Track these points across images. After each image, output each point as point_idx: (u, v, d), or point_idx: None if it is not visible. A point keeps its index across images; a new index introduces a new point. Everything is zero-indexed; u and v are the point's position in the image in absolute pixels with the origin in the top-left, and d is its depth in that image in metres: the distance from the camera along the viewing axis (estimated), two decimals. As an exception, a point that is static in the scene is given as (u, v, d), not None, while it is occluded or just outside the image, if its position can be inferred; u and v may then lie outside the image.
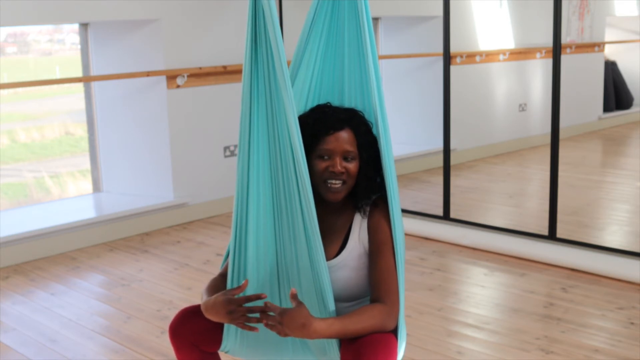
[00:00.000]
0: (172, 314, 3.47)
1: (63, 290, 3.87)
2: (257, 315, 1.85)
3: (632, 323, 3.25)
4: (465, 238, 4.43)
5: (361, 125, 1.99)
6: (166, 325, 3.34)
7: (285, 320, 1.75)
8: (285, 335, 1.77)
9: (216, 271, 4.04)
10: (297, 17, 5.11)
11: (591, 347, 3.02)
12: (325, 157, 1.94)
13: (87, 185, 5.38)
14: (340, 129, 1.95)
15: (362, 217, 1.99)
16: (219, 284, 2.02)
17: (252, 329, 1.84)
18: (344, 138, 1.95)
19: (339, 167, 1.92)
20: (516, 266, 4.04)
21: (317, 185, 1.94)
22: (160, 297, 3.71)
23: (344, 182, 1.94)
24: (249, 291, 1.98)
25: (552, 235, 4.20)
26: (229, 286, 2.00)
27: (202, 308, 1.90)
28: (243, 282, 1.88)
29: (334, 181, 1.93)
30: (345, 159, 1.95)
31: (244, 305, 1.84)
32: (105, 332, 3.31)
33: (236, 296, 1.86)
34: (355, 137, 1.97)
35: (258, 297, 1.85)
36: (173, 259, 4.32)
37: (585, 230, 4.61)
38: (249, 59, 1.88)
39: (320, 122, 1.96)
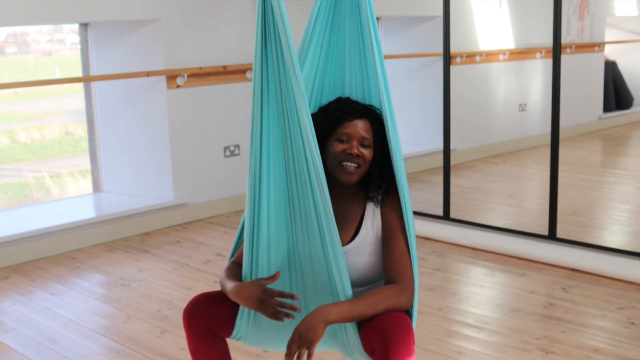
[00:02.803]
0: (172, 314, 3.47)
1: (63, 290, 3.87)
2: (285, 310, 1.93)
3: (632, 323, 3.25)
4: (465, 238, 4.43)
5: (377, 120, 2.09)
6: (166, 325, 3.34)
7: (302, 342, 1.83)
8: (312, 343, 1.84)
9: (216, 271, 4.06)
10: (298, 18, 5.11)
11: (591, 347, 3.02)
12: (344, 140, 2.04)
13: (87, 185, 5.38)
14: (360, 117, 2.07)
15: (375, 206, 2.08)
16: (237, 271, 2.09)
17: (278, 318, 1.91)
18: (362, 126, 2.06)
19: (356, 150, 2.03)
20: (516, 266, 4.04)
21: (332, 167, 2.04)
22: (160, 297, 3.71)
23: (358, 166, 2.04)
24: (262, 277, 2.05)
25: (552, 235, 4.20)
26: (244, 272, 2.05)
27: (233, 291, 1.97)
28: (276, 273, 1.97)
29: (349, 163, 2.02)
30: (362, 145, 2.05)
31: (275, 298, 1.91)
32: (105, 332, 3.31)
33: (269, 286, 1.94)
34: (372, 128, 2.08)
35: (291, 296, 1.93)
36: (173, 259, 4.32)
37: (585, 230, 4.61)
38: (259, 55, 1.92)
39: (341, 109, 2.07)
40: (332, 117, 2.06)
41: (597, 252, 3.99)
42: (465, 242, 4.42)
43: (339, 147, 2.03)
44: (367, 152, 2.05)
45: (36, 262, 4.32)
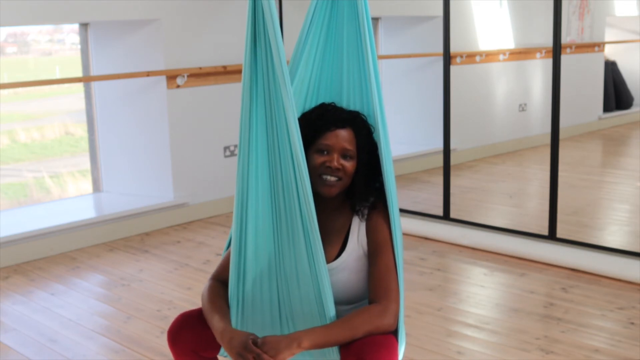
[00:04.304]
0: (172, 314, 3.47)
1: (63, 290, 3.87)
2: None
3: (632, 323, 3.25)
4: (465, 238, 4.43)
5: (363, 129, 2.00)
6: (166, 325, 3.34)
7: (266, 349, 1.73)
8: (274, 357, 1.74)
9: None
10: (297, 18, 5.12)
11: (591, 347, 3.02)
12: (324, 152, 1.95)
13: (87, 185, 5.38)
14: (342, 127, 1.97)
15: (361, 220, 1.99)
16: (222, 294, 2.00)
17: None
18: (344, 136, 1.96)
19: (336, 163, 1.93)
20: (516, 266, 4.04)
21: (312, 180, 1.92)
22: (160, 297, 3.72)
23: (339, 179, 1.95)
24: (247, 294, 1.96)
25: (552, 235, 4.20)
26: (231, 288, 1.98)
27: (218, 332, 1.87)
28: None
29: (329, 177, 1.94)
30: (344, 156, 1.96)
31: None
32: (105, 332, 3.31)
33: (253, 341, 1.78)
34: (355, 138, 1.98)
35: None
36: (173, 259, 4.32)
37: (585, 230, 4.61)
38: (248, 58, 1.86)
39: (322, 118, 1.97)
40: (313, 127, 1.95)
41: (597, 252, 3.99)
42: (465, 242, 4.42)
43: (319, 159, 1.93)
44: (349, 165, 1.95)
45: (36, 262, 4.32)
